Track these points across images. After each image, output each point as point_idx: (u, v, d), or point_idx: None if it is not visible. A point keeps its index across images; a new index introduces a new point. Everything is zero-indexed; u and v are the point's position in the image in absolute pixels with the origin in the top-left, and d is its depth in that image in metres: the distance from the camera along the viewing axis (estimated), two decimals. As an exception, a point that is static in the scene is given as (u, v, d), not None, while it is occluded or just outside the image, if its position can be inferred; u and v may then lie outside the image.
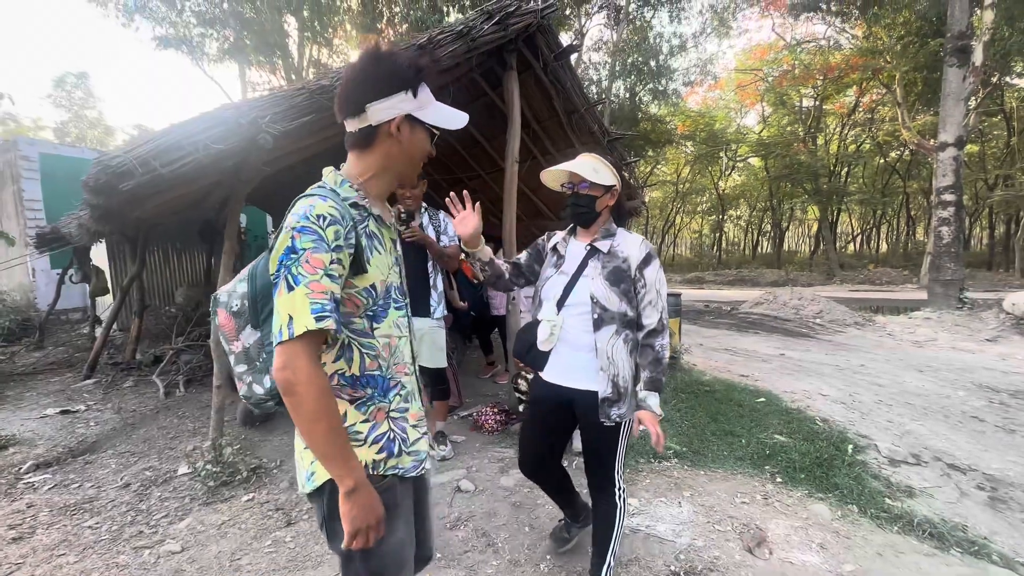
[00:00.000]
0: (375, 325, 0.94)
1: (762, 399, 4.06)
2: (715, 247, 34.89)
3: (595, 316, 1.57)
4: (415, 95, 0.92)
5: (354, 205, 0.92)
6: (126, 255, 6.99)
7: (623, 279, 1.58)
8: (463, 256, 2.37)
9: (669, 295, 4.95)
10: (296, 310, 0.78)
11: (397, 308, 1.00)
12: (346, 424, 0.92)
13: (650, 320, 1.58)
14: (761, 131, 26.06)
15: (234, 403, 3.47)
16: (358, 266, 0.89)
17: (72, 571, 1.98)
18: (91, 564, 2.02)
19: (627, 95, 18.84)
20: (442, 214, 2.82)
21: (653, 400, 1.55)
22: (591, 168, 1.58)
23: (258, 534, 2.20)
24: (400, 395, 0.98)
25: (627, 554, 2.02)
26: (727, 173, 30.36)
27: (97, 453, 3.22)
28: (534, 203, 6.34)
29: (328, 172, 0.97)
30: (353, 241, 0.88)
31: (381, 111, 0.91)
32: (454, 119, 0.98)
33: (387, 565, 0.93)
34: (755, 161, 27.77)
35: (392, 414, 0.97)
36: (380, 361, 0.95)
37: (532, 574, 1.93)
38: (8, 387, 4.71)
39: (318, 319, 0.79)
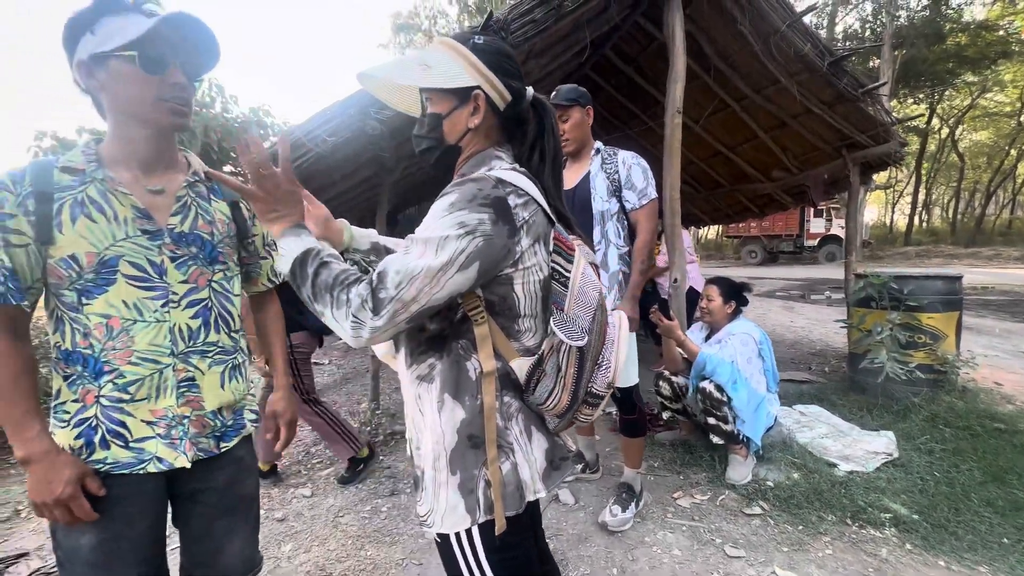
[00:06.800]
0: (85, 301, 0.89)
1: None
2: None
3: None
4: (93, 32, 0.86)
5: (67, 170, 0.89)
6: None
7: None
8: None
9: (938, 278, 3.33)
10: None
11: (142, 287, 0.92)
12: (58, 401, 0.92)
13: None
14: None
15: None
16: (45, 234, 0.86)
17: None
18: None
19: (923, 2, 13.81)
20: (624, 155, 2.00)
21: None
22: (416, 65, 0.83)
23: (365, 497, 2.38)
24: (115, 383, 0.90)
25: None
26: None
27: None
28: (735, 164, 5.17)
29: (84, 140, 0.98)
30: (32, 208, 0.85)
31: (76, 65, 0.88)
32: (132, 28, 0.84)
33: (74, 565, 0.89)
34: None
35: (102, 400, 0.90)
36: (92, 340, 0.90)
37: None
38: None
39: None
